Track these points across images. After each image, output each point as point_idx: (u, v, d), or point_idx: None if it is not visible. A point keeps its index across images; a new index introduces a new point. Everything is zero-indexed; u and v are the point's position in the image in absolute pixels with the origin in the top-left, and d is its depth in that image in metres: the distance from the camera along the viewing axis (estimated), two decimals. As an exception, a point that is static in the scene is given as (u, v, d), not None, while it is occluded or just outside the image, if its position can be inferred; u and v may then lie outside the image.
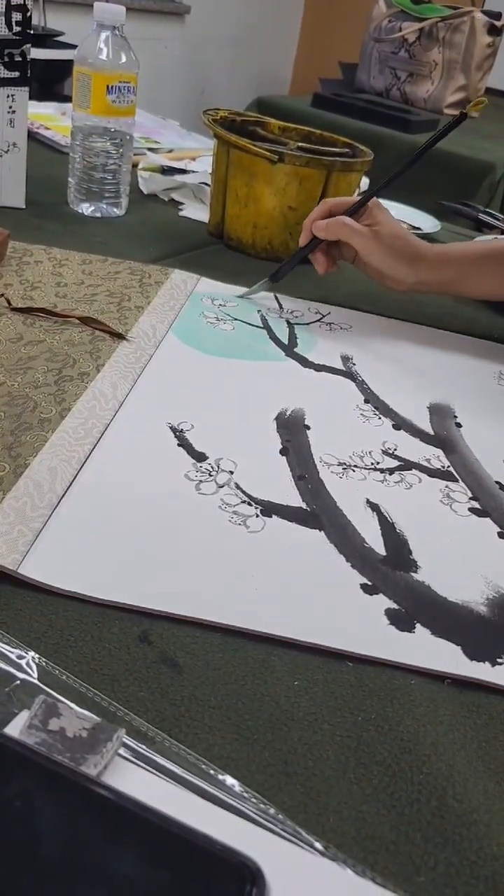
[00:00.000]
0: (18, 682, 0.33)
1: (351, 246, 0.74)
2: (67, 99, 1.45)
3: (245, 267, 0.87)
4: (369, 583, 0.43)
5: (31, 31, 0.83)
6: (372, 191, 0.74)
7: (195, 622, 0.38)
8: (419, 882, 0.29)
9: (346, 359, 0.69)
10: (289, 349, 0.69)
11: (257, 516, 0.46)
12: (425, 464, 0.55)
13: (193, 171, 1.15)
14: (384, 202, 0.87)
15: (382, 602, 0.42)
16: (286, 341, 0.70)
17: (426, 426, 0.60)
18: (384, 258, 0.73)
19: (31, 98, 0.89)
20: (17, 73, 0.84)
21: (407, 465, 0.55)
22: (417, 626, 0.40)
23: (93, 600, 0.38)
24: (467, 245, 0.79)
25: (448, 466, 0.55)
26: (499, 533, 0.49)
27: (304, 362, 0.67)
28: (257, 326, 0.72)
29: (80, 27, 1.21)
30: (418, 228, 1.06)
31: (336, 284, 0.85)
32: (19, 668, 0.34)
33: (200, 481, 0.48)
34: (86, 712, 0.31)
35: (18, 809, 0.26)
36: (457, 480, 0.54)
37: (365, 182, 1.07)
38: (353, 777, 0.32)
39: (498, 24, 2.14)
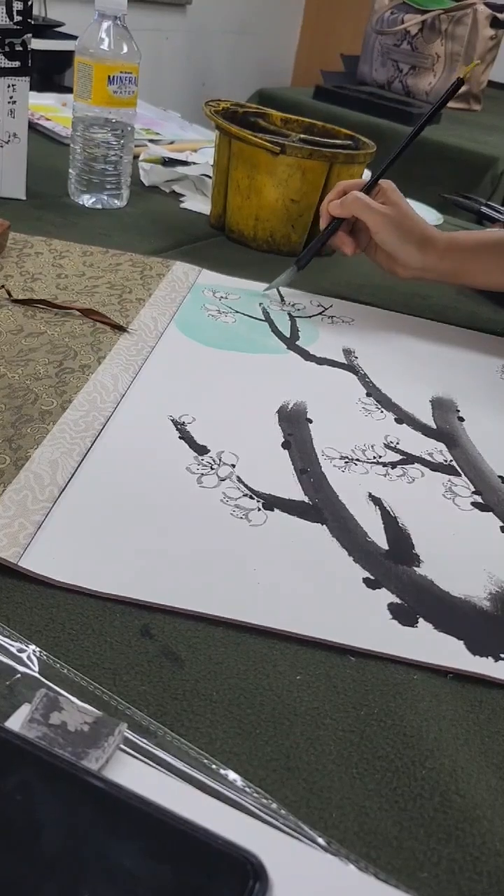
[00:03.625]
0: (19, 675, 0.33)
1: (363, 231, 0.74)
2: (68, 90, 1.44)
3: (247, 259, 0.86)
4: (372, 577, 0.43)
5: (32, 21, 0.82)
6: (384, 166, 0.75)
7: (197, 616, 0.38)
8: (422, 878, 0.29)
9: (348, 352, 0.68)
10: (291, 342, 0.68)
11: (259, 510, 0.46)
12: (428, 458, 0.55)
13: (195, 163, 1.14)
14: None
15: (385, 596, 0.41)
16: (288, 334, 0.70)
17: (428, 420, 0.60)
18: (394, 237, 0.73)
19: (31, 89, 0.88)
20: (17, 63, 0.83)
21: (409, 458, 0.54)
22: (420, 620, 0.40)
23: (94, 594, 0.38)
24: (476, 233, 0.78)
25: (450, 461, 0.55)
26: (501, 527, 0.49)
27: (306, 355, 0.67)
28: (259, 319, 0.72)
29: (80, 18, 1.20)
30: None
31: (338, 277, 0.85)
32: (20, 661, 0.33)
33: (202, 474, 0.48)
34: (87, 706, 0.31)
35: (19, 804, 0.26)
36: (459, 475, 0.54)
37: (367, 174, 1.06)
38: (356, 772, 0.32)
39: (501, 16, 2.12)
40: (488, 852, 0.30)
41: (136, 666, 0.35)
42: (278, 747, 0.33)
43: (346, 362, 0.67)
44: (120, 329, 0.63)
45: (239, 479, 0.48)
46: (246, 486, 0.48)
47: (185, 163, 1.14)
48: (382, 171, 0.75)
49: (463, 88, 2.20)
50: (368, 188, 0.74)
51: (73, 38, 0.98)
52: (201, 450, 0.51)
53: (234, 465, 0.50)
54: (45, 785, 0.26)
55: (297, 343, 0.68)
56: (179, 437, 0.52)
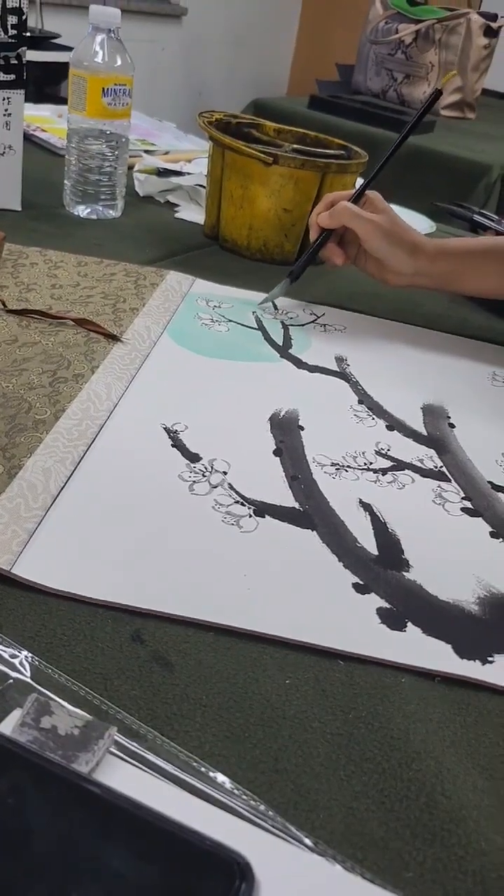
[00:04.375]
0: (11, 680, 0.33)
1: (353, 242, 0.75)
2: (64, 101, 1.45)
3: (240, 268, 0.87)
4: (361, 582, 0.43)
5: (28, 34, 0.83)
6: (372, 174, 0.76)
7: (188, 621, 0.39)
8: (407, 877, 0.29)
9: (340, 360, 0.69)
10: (283, 350, 0.69)
11: (250, 516, 0.47)
12: (418, 464, 0.55)
13: (189, 173, 1.15)
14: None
15: (374, 601, 0.42)
16: (281, 342, 0.70)
17: (419, 427, 0.60)
18: (385, 245, 0.73)
19: (27, 100, 0.89)
20: (12, 76, 0.84)
21: (400, 465, 0.55)
22: (409, 624, 0.41)
23: (86, 600, 0.39)
24: (467, 240, 0.79)
25: (441, 466, 0.56)
26: (491, 533, 0.50)
27: (299, 363, 0.67)
28: (252, 328, 0.72)
29: (77, 29, 1.21)
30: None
31: (330, 286, 0.86)
32: (12, 667, 0.34)
33: (194, 482, 0.49)
34: (77, 710, 0.32)
35: (10, 807, 0.26)
36: (449, 480, 0.54)
37: (360, 183, 1.07)
38: (344, 774, 0.33)
39: (494, 25, 2.14)
40: (473, 852, 0.30)
41: (127, 671, 0.36)
42: (267, 750, 0.33)
43: (338, 370, 0.67)
44: (113, 338, 0.63)
45: (230, 486, 0.49)
46: (237, 492, 0.48)
47: (179, 173, 1.15)
48: (368, 182, 0.75)
49: (457, 97, 2.22)
50: (356, 199, 0.75)
51: (69, 49, 0.99)
52: (193, 457, 0.51)
53: (225, 473, 0.50)
54: (35, 788, 0.27)
55: (290, 351, 0.69)
56: (172, 445, 0.52)
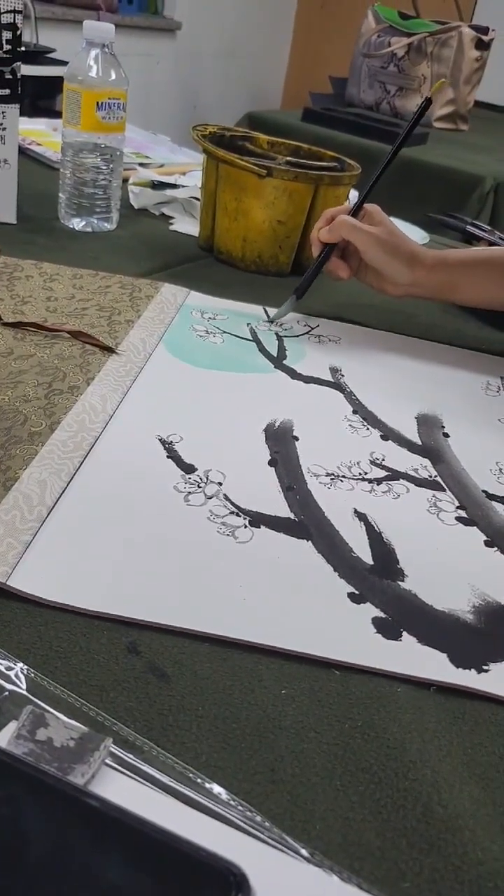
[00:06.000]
0: (7, 693, 0.33)
1: (354, 254, 0.76)
2: (59, 115, 1.46)
3: (235, 280, 0.88)
4: (356, 592, 0.43)
5: (22, 49, 0.84)
6: (368, 186, 0.76)
7: (183, 632, 0.39)
8: (404, 888, 0.29)
9: (334, 370, 0.69)
10: (278, 361, 0.69)
11: (245, 527, 0.47)
12: (413, 474, 0.56)
13: (184, 186, 1.16)
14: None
15: (369, 611, 0.42)
16: (275, 353, 0.71)
17: (414, 436, 0.61)
18: (383, 255, 0.74)
19: (22, 114, 0.90)
20: (7, 91, 0.85)
21: (394, 475, 0.55)
22: (404, 634, 0.41)
23: (81, 611, 0.39)
24: (464, 251, 0.80)
25: (435, 476, 0.56)
26: (485, 542, 0.50)
27: (293, 374, 0.67)
28: (246, 339, 0.73)
29: (71, 44, 1.22)
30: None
31: (325, 297, 0.86)
32: (8, 679, 0.34)
33: (189, 493, 0.49)
34: (73, 722, 0.32)
35: (6, 818, 0.26)
36: (444, 490, 0.54)
37: (354, 195, 1.08)
38: (340, 784, 0.33)
39: (485, 38, 2.16)
40: (470, 862, 0.30)
41: (122, 682, 0.36)
42: (263, 761, 0.33)
43: (332, 380, 0.67)
44: (109, 350, 0.63)
45: (226, 497, 0.49)
46: (233, 503, 0.49)
47: (174, 186, 1.16)
48: (365, 196, 0.76)
49: (450, 109, 2.24)
50: (355, 212, 0.75)
51: (64, 63, 0.99)
52: (189, 468, 0.51)
53: (221, 483, 0.50)
54: (31, 800, 0.27)
55: (285, 362, 0.69)
56: (167, 456, 0.52)
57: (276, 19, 3.68)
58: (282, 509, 0.49)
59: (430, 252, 0.77)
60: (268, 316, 0.78)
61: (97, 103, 0.88)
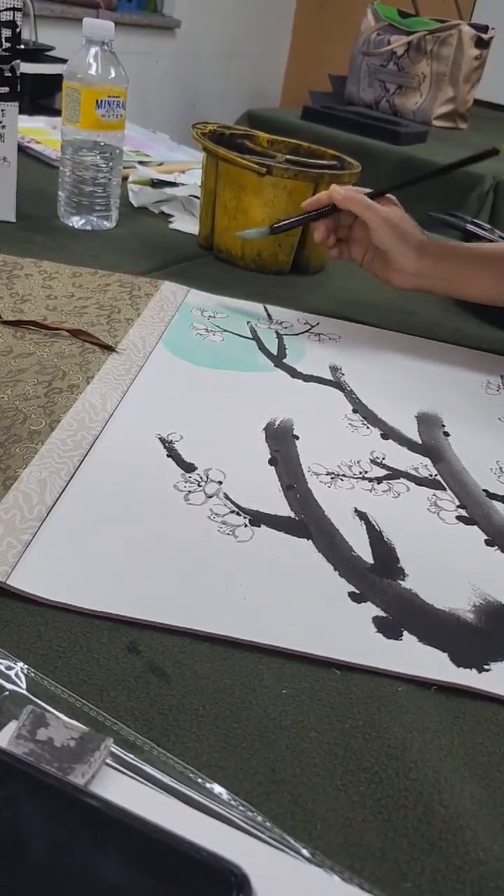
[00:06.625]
0: (7, 692, 0.33)
1: (362, 242, 0.76)
2: (58, 113, 1.46)
3: (234, 278, 0.87)
4: (357, 591, 0.43)
5: (22, 47, 0.83)
6: (388, 187, 0.76)
7: (184, 632, 0.39)
8: (405, 888, 0.29)
9: (334, 369, 0.69)
10: (278, 360, 0.69)
11: (246, 526, 0.47)
12: (413, 472, 0.55)
13: (183, 184, 1.15)
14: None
15: (370, 610, 0.42)
16: (275, 352, 0.71)
17: (414, 435, 0.60)
18: (392, 238, 0.74)
19: (22, 112, 0.90)
20: (6, 89, 0.84)
21: (395, 474, 0.55)
22: (405, 633, 0.41)
23: (82, 611, 0.39)
24: (474, 245, 0.79)
25: (435, 475, 0.56)
26: (486, 541, 0.50)
27: (293, 373, 0.67)
28: (246, 337, 0.72)
29: (71, 42, 1.22)
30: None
31: (325, 295, 0.86)
32: (8, 678, 0.34)
33: (189, 492, 0.49)
34: (73, 722, 0.31)
35: (6, 819, 0.26)
36: (444, 489, 0.54)
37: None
38: (341, 784, 0.33)
39: (485, 36, 2.16)
40: (471, 862, 0.30)
41: (123, 682, 0.35)
42: (264, 760, 0.33)
43: (332, 379, 0.67)
44: (108, 349, 0.63)
45: (226, 496, 0.49)
46: (233, 502, 0.48)
47: (173, 184, 1.15)
48: (385, 190, 0.76)
49: (449, 108, 2.24)
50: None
51: (64, 61, 0.99)
52: (189, 467, 0.51)
53: (221, 482, 0.50)
54: (31, 800, 0.27)
55: (285, 361, 0.69)
56: (167, 455, 0.52)
57: (275, 17, 3.68)
58: (282, 508, 0.49)
59: (438, 243, 0.76)
60: (267, 313, 0.78)
61: (97, 101, 0.87)
